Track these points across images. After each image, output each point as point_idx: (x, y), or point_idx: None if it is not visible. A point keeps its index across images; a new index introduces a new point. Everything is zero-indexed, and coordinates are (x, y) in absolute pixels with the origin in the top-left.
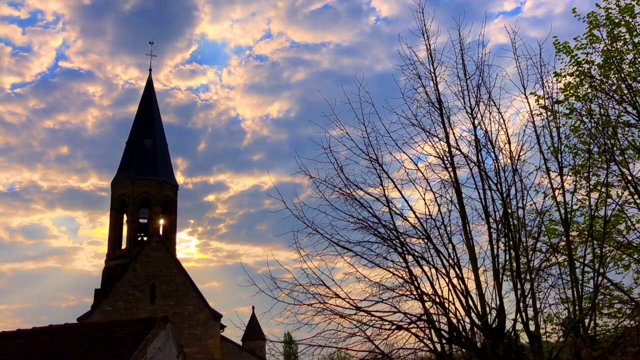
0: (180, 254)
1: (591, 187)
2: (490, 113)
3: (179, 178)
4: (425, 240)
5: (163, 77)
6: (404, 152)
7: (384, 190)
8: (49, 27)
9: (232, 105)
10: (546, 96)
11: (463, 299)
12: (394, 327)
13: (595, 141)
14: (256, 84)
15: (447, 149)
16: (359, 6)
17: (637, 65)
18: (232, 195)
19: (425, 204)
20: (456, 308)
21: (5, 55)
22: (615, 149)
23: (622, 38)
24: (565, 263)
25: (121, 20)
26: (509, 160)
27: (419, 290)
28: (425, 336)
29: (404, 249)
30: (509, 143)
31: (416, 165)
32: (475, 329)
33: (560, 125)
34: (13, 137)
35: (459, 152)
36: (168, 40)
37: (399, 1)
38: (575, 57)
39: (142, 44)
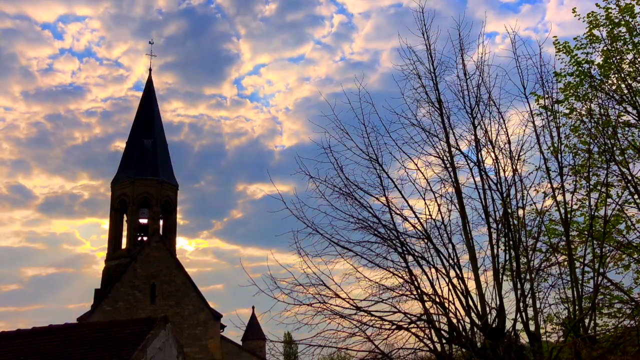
0: (192, 255)
1: (591, 187)
2: (490, 113)
3: (205, 186)
4: (425, 240)
5: (203, 108)
6: (404, 152)
7: (383, 190)
8: (114, 66)
9: (262, 132)
10: (546, 96)
11: (463, 299)
12: (394, 327)
13: (595, 141)
14: (290, 116)
15: (447, 149)
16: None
17: (637, 65)
18: (249, 201)
19: (425, 204)
20: (456, 308)
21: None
22: (615, 149)
23: (622, 38)
24: (565, 263)
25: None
26: (508, 160)
27: (419, 290)
28: (425, 336)
29: (404, 249)
30: (509, 143)
31: (416, 165)
32: (475, 329)
33: (560, 125)
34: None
35: (459, 152)
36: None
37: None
38: (575, 57)
39: (192, 87)
